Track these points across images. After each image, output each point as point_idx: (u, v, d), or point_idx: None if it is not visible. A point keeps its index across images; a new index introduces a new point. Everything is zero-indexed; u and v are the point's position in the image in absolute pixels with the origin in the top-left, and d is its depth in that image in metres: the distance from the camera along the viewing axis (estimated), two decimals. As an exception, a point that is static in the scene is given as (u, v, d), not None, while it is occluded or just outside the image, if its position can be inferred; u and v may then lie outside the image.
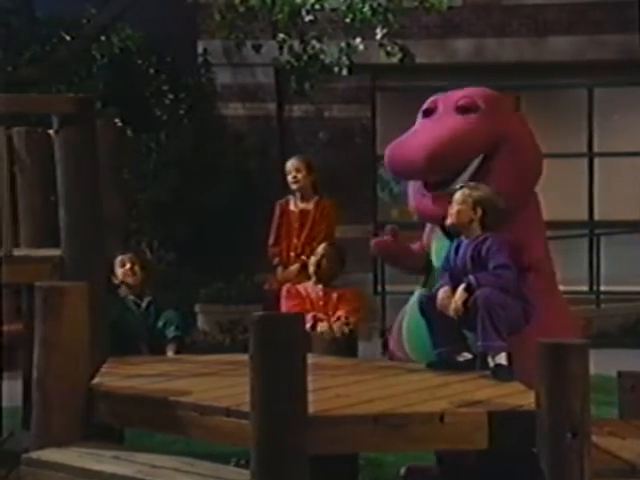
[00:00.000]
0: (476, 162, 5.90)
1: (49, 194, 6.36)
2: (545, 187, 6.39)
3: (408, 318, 5.99)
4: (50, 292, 5.36)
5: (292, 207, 7.47)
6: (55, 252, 5.98)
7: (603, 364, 6.71)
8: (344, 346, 6.25)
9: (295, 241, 7.39)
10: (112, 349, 6.02)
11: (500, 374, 5.19)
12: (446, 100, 6.08)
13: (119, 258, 6.73)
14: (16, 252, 6.12)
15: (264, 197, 11.17)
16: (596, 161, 15.26)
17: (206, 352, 9.14)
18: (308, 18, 12.60)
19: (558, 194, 13.31)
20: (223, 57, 14.98)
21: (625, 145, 15.07)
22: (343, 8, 12.69)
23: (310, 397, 4.40)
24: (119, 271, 6.70)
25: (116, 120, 10.17)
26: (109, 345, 5.99)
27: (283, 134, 15.15)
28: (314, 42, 12.90)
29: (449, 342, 5.50)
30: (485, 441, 4.51)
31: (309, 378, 4.41)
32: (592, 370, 4.48)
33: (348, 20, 12.69)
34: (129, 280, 6.69)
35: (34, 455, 5.10)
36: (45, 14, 14.50)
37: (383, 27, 12.54)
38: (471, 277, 5.38)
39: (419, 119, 6.14)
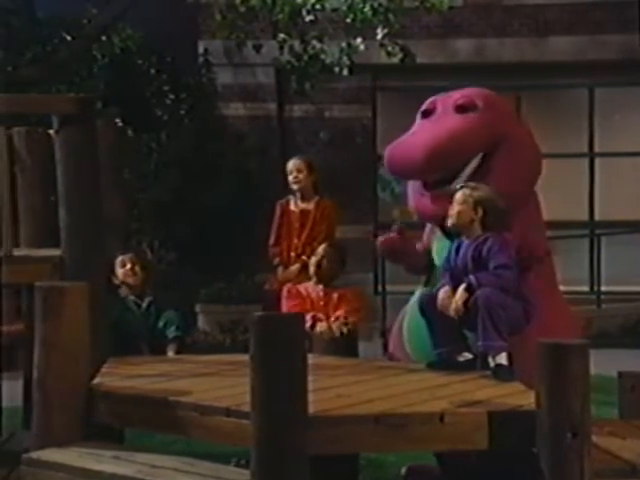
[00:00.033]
0: (475, 161, 5.91)
1: (49, 194, 6.36)
2: (546, 187, 6.40)
3: (409, 318, 5.99)
4: (50, 292, 5.36)
5: (293, 207, 7.46)
6: (55, 252, 5.98)
7: (603, 364, 6.71)
8: (344, 346, 6.25)
9: (295, 241, 7.39)
10: (113, 349, 6.02)
11: (500, 374, 5.19)
12: (445, 101, 6.10)
13: (119, 258, 6.73)
14: (16, 252, 6.11)
15: (265, 197, 11.18)
16: (597, 161, 15.26)
17: (207, 352, 9.14)
18: (309, 18, 12.60)
19: (559, 194, 13.31)
20: (224, 57, 14.99)
21: (626, 145, 15.07)
22: (344, 8, 12.69)
23: (310, 397, 4.40)
24: (120, 271, 6.70)
25: (117, 120, 10.17)
26: (110, 345, 5.99)
27: (284, 134, 15.15)
28: (315, 42, 12.90)
29: (449, 342, 5.50)
30: (485, 441, 4.51)
31: (309, 378, 4.41)
32: (592, 370, 4.48)
33: (349, 20, 12.69)
34: (130, 280, 6.69)
35: (34, 455, 5.10)
36: (46, 14, 14.50)
37: (384, 27, 12.54)
38: (472, 277, 5.38)
39: (418, 120, 6.15)
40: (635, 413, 5.55)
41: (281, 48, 12.91)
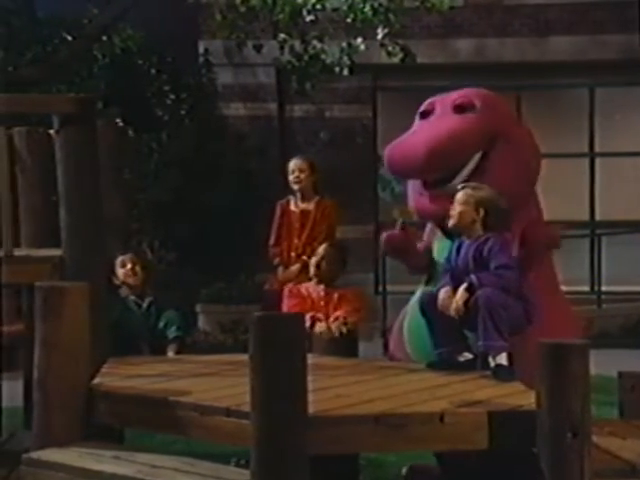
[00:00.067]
0: (474, 160, 5.91)
1: (50, 194, 6.36)
2: (546, 187, 6.40)
3: (409, 318, 5.99)
4: (50, 292, 5.36)
5: (293, 207, 7.47)
6: (55, 252, 5.98)
7: (604, 364, 6.71)
8: (344, 346, 6.25)
9: (296, 241, 7.39)
10: (113, 349, 6.02)
11: (501, 374, 5.19)
12: (443, 101, 6.12)
13: (120, 259, 6.73)
14: (17, 252, 6.11)
15: (265, 197, 11.17)
16: (597, 161, 15.26)
17: (207, 352, 9.14)
18: (309, 18, 12.60)
19: (559, 194, 13.31)
20: (224, 57, 14.99)
21: (626, 145, 15.08)
22: (344, 8, 12.69)
23: (310, 397, 4.40)
24: (120, 272, 6.70)
25: (117, 120, 10.17)
26: (110, 345, 5.99)
27: (284, 134, 15.15)
28: (315, 42, 12.90)
29: (450, 342, 5.50)
30: (485, 441, 4.51)
31: (309, 378, 4.41)
32: (593, 370, 4.48)
33: (349, 20, 12.69)
34: (130, 280, 6.69)
35: (34, 455, 5.10)
36: (46, 14, 14.50)
37: (384, 27, 12.54)
38: (473, 277, 5.38)
39: (416, 121, 6.17)
40: (635, 413, 5.54)
41: (281, 48, 12.91)
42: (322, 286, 6.60)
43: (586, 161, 15.24)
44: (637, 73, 14.58)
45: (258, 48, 12.99)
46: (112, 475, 4.75)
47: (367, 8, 12.45)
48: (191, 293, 12.90)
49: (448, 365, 5.45)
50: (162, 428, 5.08)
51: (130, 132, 12.65)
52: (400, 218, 6.03)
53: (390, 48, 12.67)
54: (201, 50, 15.04)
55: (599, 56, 14.62)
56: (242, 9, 12.76)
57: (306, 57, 12.96)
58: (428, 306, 5.56)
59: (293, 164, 7.52)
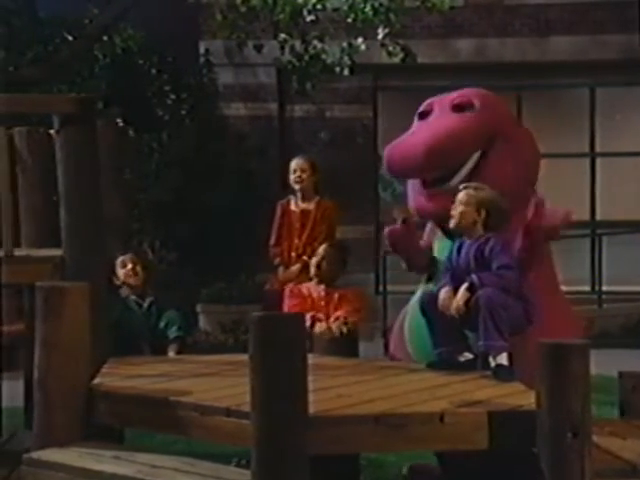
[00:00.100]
0: (473, 159, 5.91)
1: (50, 194, 6.37)
2: (547, 187, 6.40)
3: (410, 318, 5.99)
4: (51, 292, 5.36)
5: (293, 207, 7.47)
6: (56, 252, 5.98)
7: (604, 364, 6.71)
8: (344, 346, 6.25)
9: (296, 241, 7.39)
10: (114, 349, 6.02)
11: (501, 374, 5.19)
12: (441, 102, 6.14)
13: (120, 259, 6.73)
14: (17, 252, 6.11)
15: (265, 197, 11.18)
16: (598, 161, 15.26)
17: (208, 352, 9.14)
18: (310, 18, 12.60)
19: (560, 194, 13.28)
20: (225, 57, 14.99)
21: (627, 145, 15.07)
22: (345, 8, 12.69)
23: (311, 397, 4.40)
24: (121, 272, 6.70)
25: (117, 120, 10.17)
26: (111, 345, 5.99)
27: (284, 134, 15.15)
28: (316, 42, 12.90)
29: (450, 342, 5.50)
30: (485, 441, 4.51)
31: (310, 378, 4.41)
32: (593, 370, 4.47)
33: (350, 20, 12.69)
34: (131, 281, 6.69)
35: (34, 455, 5.11)
36: (47, 14, 14.49)
37: (385, 27, 12.54)
38: (474, 276, 5.38)
39: (415, 122, 6.17)
40: (636, 413, 5.54)
41: (282, 48, 12.91)
42: (323, 286, 6.60)
43: (587, 161, 15.24)
44: (637, 73, 14.57)
45: (259, 48, 12.99)
46: (112, 475, 4.75)
47: (368, 8, 12.45)
48: (192, 293, 12.90)
49: (448, 365, 5.45)
50: (162, 428, 5.09)
51: (130, 132, 12.66)
52: (401, 215, 6.03)
53: (391, 48, 12.67)
54: (202, 50, 15.04)
55: (599, 56, 14.61)
56: (243, 9, 12.76)
57: (307, 57, 12.96)
58: (428, 306, 5.56)
59: (295, 164, 7.52)
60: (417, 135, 5.97)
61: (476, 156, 5.92)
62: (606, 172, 15.19)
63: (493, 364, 5.26)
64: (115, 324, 6.24)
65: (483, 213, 5.51)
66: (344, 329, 6.28)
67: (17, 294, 6.74)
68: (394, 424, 4.48)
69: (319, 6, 12.54)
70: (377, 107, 15.32)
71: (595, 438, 4.47)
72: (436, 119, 6.03)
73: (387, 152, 6.01)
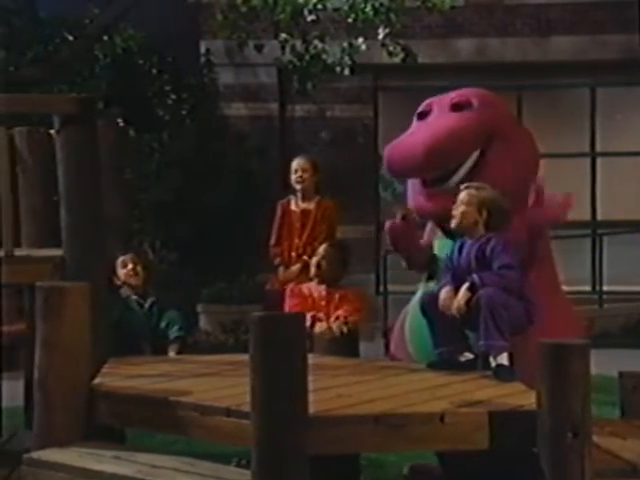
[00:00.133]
0: (472, 158, 5.91)
1: (51, 194, 6.37)
2: (547, 187, 6.39)
3: (410, 318, 5.99)
4: (51, 292, 5.36)
5: (293, 207, 7.47)
6: (56, 252, 5.98)
7: (605, 364, 6.71)
8: (345, 346, 6.25)
9: (296, 241, 7.39)
10: (115, 349, 6.02)
11: (501, 374, 5.19)
12: (440, 102, 6.14)
13: (121, 259, 6.73)
14: (17, 252, 6.11)
15: (266, 197, 11.18)
16: (598, 161, 15.26)
17: (208, 352, 9.14)
18: (310, 18, 12.60)
19: (560, 194, 13.29)
20: (225, 57, 14.99)
21: (628, 145, 15.08)
22: (345, 8, 12.70)
23: (311, 397, 4.40)
24: (121, 272, 6.70)
25: (118, 120, 10.17)
26: (112, 345, 5.99)
27: (285, 134, 15.15)
28: (316, 42, 12.90)
29: (451, 342, 5.50)
30: (486, 441, 4.51)
31: (310, 378, 4.41)
32: (594, 370, 4.48)
33: (350, 20, 12.70)
34: (132, 281, 6.69)
35: (35, 455, 5.10)
36: (48, 14, 14.50)
37: (385, 27, 12.55)
38: (475, 276, 5.38)
39: (414, 122, 6.18)
40: (636, 413, 5.54)
41: (283, 48, 12.92)
42: (323, 286, 6.60)
43: (587, 161, 15.24)
44: (637, 73, 14.57)
45: (259, 48, 12.99)
46: (112, 475, 4.75)
47: (368, 8, 12.46)
48: (192, 293, 12.90)
49: (449, 365, 5.45)
50: (163, 428, 5.08)
51: (131, 132, 12.66)
52: (401, 212, 6.02)
53: (391, 48, 12.68)
54: (202, 50, 15.05)
55: (600, 56, 14.61)
56: (243, 9, 12.77)
57: (307, 57, 12.96)
58: (429, 306, 5.56)
59: (296, 163, 7.52)
60: (416, 135, 5.98)
61: (475, 155, 5.93)
62: (606, 172, 15.19)
63: (494, 364, 5.26)
64: (116, 324, 6.24)
65: (485, 213, 5.50)
66: (344, 329, 6.28)
67: (17, 294, 6.74)
68: (394, 424, 4.48)
69: (320, 6, 12.55)
70: (378, 107, 15.33)
71: (595, 438, 4.47)
72: (435, 119, 6.04)
73: (387, 152, 6.01)
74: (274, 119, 15.22)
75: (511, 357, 5.27)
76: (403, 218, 5.99)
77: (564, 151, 14.46)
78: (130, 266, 6.71)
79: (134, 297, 6.70)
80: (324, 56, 12.89)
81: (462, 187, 5.61)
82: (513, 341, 5.29)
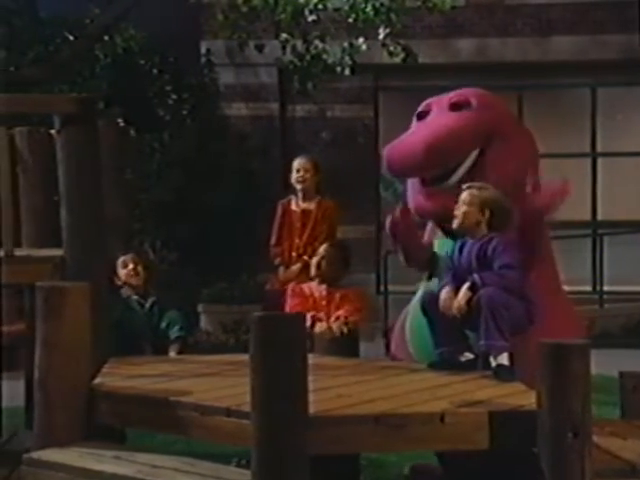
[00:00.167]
0: (471, 158, 5.92)
1: (51, 194, 6.37)
2: (547, 187, 6.38)
3: (411, 318, 5.99)
4: (51, 292, 5.36)
5: (294, 207, 7.47)
6: (56, 252, 5.98)
7: (605, 364, 6.72)
8: (345, 346, 6.25)
9: (297, 241, 7.39)
10: (116, 349, 6.02)
11: (502, 374, 5.19)
12: (439, 102, 6.16)
13: (121, 259, 6.73)
14: (18, 252, 6.11)
15: (267, 197, 11.18)
16: (599, 161, 15.26)
17: (209, 352, 9.14)
18: (311, 18, 12.60)
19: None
20: (226, 57, 14.99)
21: (628, 145, 15.07)
22: (346, 8, 12.70)
23: (311, 397, 4.40)
24: (122, 272, 6.71)
25: (119, 120, 10.17)
26: (113, 345, 5.99)
27: (286, 134, 15.15)
28: (317, 42, 12.90)
29: (451, 342, 5.50)
30: (486, 441, 4.51)
31: (310, 378, 4.41)
32: (594, 370, 4.47)
33: (351, 20, 12.69)
34: (133, 281, 6.70)
35: (35, 455, 5.10)
36: (48, 14, 14.50)
37: (386, 27, 12.54)
38: (476, 276, 5.38)
39: (414, 122, 6.18)
40: (636, 413, 5.54)
41: (283, 48, 12.91)
42: (324, 286, 6.60)
43: (588, 161, 15.23)
44: (638, 73, 14.57)
45: (260, 48, 12.99)
46: (112, 475, 4.75)
47: (369, 8, 12.45)
48: (193, 293, 12.91)
49: (449, 365, 5.45)
50: (163, 428, 5.08)
51: (132, 132, 12.66)
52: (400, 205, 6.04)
53: (392, 48, 12.67)
54: (203, 50, 15.05)
55: (600, 56, 14.61)
56: (244, 9, 12.76)
57: (308, 57, 12.96)
58: (429, 306, 5.56)
59: (298, 163, 7.52)
60: (416, 134, 5.99)
61: (474, 154, 5.93)
62: (607, 172, 15.18)
63: (494, 364, 5.26)
64: (116, 324, 6.25)
65: (487, 213, 5.50)
66: (344, 329, 6.28)
67: (18, 294, 6.74)
68: (394, 424, 4.48)
69: (320, 6, 12.54)
70: (378, 107, 15.32)
71: (595, 438, 4.47)
72: (434, 118, 6.05)
73: (386, 152, 6.02)
74: (275, 119, 15.22)
75: (511, 357, 5.27)
76: (403, 212, 5.98)
77: (565, 151, 14.45)
78: (131, 266, 6.71)
79: (135, 297, 6.70)
80: (325, 56, 12.89)
81: (464, 187, 5.61)
82: (513, 341, 5.29)
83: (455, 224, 5.57)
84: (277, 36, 12.87)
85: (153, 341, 6.63)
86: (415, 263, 6.13)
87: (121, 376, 5.54)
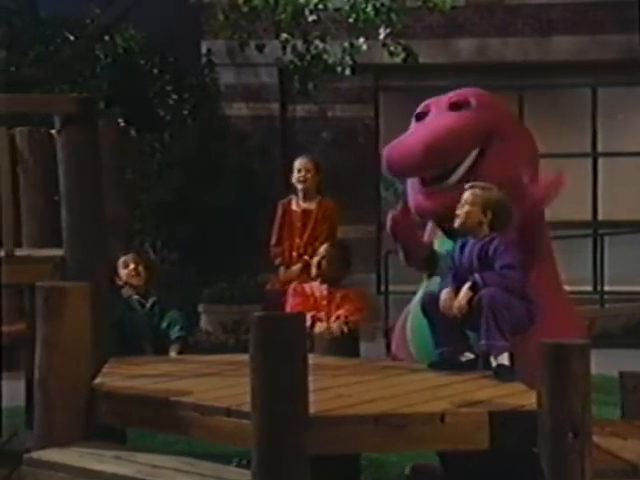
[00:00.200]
0: (471, 157, 5.92)
1: (52, 194, 6.37)
2: (548, 187, 6.37)
3: (412, 318, 5.99)
4: (51, 292, 5.36)
5: (294, 207, 7.46)
6: (56, 252, 5.98)
7: (605, 364, 6.72)
8: (345, 346, 6.25)
9: (297, 241, 7.39)
10: (116, 349, 6.02)
11: (502, 374, 5.19)
12: (438, 102, 6.16)
13: (122, 259, 6.73)
14: (18, 252, 6.11)
15: (267, 197, 11.18)
16: (600, 161, 15.25)
17: (209, 352, 9.14)
18: (311, 18, 12.60)
19: (562, 194, 13.27)
20: (226, 57, 14.99)
21: (629, 145, 15.07)
22: (346, 8, 12.70)
23: (311, 397, 4.40)
24: (123, 272, 6.71)
25: (119, 120, 10.17)
26: (113, 345, 5.99)
27: (286, 134, 15.15)
28: (317, 42, 12.90)
29: (451, 342, 5.50)
30: (486, 441, 4.50)
31: (310, 378, 4.41)
32: (594, 370, 4.48)
33: (351, 20, 12.69)
34: (134, 281, 6.70)
35: (35, 455, 5.10)
36: (49, 14, 14.50)
37: (386, 27, 12.54)
38: (477, 276, 5.37)
39: (413, 123, 6.18)
40: (637, 413, 5.54)
41: (284, 48, 12.92)
42: (325, 285, 6.60)
43: (589, 161, 15.23)
44: (638, 73, 14.57)
45: (260, 48, 12.99)
46: (113, 475, 4.75)
47: (369, 8, 12.46)
48: (193, 293, 12.90)
49: (450, 365, 5.45)
50: (163, 428, 5.08)
51: (132, 132, 12.67)
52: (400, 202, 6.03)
53: (392, 48, 12.67)
54: (203, 50, 15.05)
55: (600, 56, 14.61)
56: (244, 9, 12.77)
57: (308, 57, 12.96)
58: (430, 306, 5.56)
59: (299, 163, 7.52)
60: (415, 134, 5.99)
61: (474, 154, 5.93)
62: (608, 172, 15.18)
63: (494, 364, 5.26)
64: (117, 324, 6.25)
65: (489, 214, 5.50)
66: (345, 328, 6.28)
67: (18, 294, 6.74)
68: (394, 424, 4.48)
69: (321, 6, 12.54)
70: (379, 107, 15.33)
71: (596, 438, 4.47)
72: (433, 118, 6.05)
73: (386, 152, 6.02)
74: (275, 119, 15.22)
75: (512, 357, 5.27)
76: (403, 209, 5.98)
77: (565, 151, 14.44)
78: (132, 266, 6.71)
79: (136, 297, 6.70)
80: (325, 56, 12.89)
81: (467, 187, 5.60)
82: (513, 341, 5.29)
83: (457, 223, 5.56)
84: (277, 36, 12.87)
85: (154, 341, 6.63)
86: (415, 262, 6.13)
87: (121, 376, 5.54)
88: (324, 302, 6.52)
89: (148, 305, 6.70)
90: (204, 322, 13.28)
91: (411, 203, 6.05)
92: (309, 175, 7.43)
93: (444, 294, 5.46)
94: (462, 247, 5.58)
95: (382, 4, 12.49)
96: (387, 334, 8.81)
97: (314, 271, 6.66)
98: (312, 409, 4.40)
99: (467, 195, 5.53)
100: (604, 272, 14.20)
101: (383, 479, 6.46)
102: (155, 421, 5.03)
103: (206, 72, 15.02)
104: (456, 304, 5.37)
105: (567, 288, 6.26)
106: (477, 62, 14.75)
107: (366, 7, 12.46)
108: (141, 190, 12.93)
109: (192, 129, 14.31)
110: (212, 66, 15.01)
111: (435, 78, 13.54)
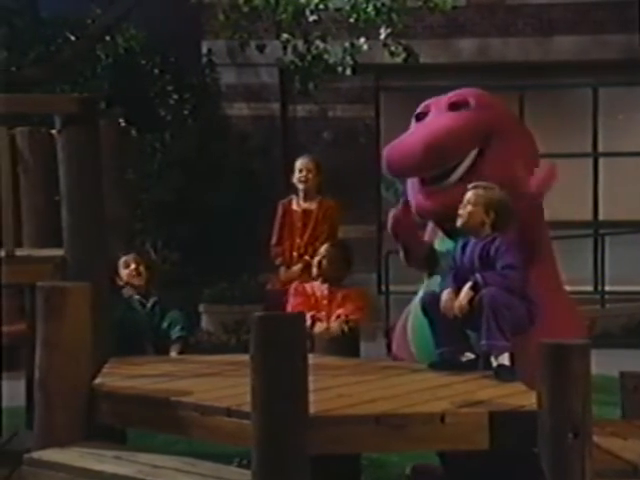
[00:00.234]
0: (470, 157, 5.92)
1: (52, 194, 6.37)
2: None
3: (412, 318, 5.99)
4: (52, 292, 5.36)
5: (295, 207, 7.46)
6: (57, 252, 5.98)
7: (606, 364, 6.71)
8: (346, 346, 6.25)
9: (298, 241, 7.39)
10: (117, 349, 6.02)
11: (502, 374, 5.19)
12: (437, 102, 6.17)
13: (123, 259, 6.74)
14: (18, 252, 6.11)
15: (268, 197, 11.17)
16: (601, 161, 15.25)
17: (210, 352, 9.15)
18: (312, 18, 12.60)
19: (562, 194, 13.28)
20: (227, 57, 14.99)
21: (630, 145, 15.07)
22: (347, 8, 12.70)
23: (312, 397, 4.40)
24: (124, 272, 6.71)
25: (120, 120, 10.17)
26: (113, 345, 5.99)
27: (287, 134, 15.15)
28: (318, 42, 12.90)
29: (452, 342, 5.50)
30: (486, 441, 4.51)
31: (311, 378, 4.41)
32: (594, 370, 4.47)
33: (352, 20, 12.69)
34: (134, 281, 6.70)
35: (35, 455, 5.10)
36: (50, 14, 14.51)
37: (387, 27, 12.54)
38: (478, 276, 5.38)
39: (412, 123, 6.18)
40: (637, 413, 5.54)
41: (284, 48, 12.92)
42: (326, 285, 6.60)
43: (589, 161, 15.23)
44: (638, 73, 14.56)
45: (261, 48, 12.99)
46: (113, 475, 4.75)
47: (370, 8, 12.46)
48: (194, 293, 12.91)
49: (450, 365, 5.45)
50: (163, 428, 5.08)
51: (133, 132, 12.68)
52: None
53: (393, 48, 12.67)
54: (204, 50, 15.05)
55: (601, 56, 14.61)
56: (245, 9, 12.77)
57: (309, 57, 12.96)
58: (430, 306, 5.56)
59: (300, 163, 7.51)
60: (415, 134, 5.99)
61: (474, 154, 5.93)
62: (609, 172, 15.18)
63: (495, 364, 5.26)
64: (118, 324, 6.25)
65: (492, 214, 5.50)
66: (345, 327, 6.28)
67: (18, 294, 6.74)
68: (395, 424, 4.48)
69: (321, 6, 12.54)
70: (379, 107, 15.33)
71: (596, 438, 4.47)
72: (433, 118, 6.06)
73: (386, 152, 6.02)
74: (276, 119, 15.22)
75: (512, 357, 5.27)
76: (404, 206, 5.98)
77: (566, 151, 14.44)
78: (132, 266, 6.71)
79: (136, 297, 6.71)
80: (326, 56, 12.89)
81: (469, 187, 5.60)
82: (514, 341, 5.29)
83: (459, 223, 5.57)
84: (278, 36, 12.87)
85: (154, 341, 6.63)
86: (416, 262, 6.13)
87: (122, 376, 5.54)
88: (325, 302, 6.52)
89: (149, 305, 6.70)
90: (205, 322, 13.29)
91: (411, 203, 6.05)
92: (310, 175, 7.43)
93: (445, 294, 5.46)
94: (463, 247, 5.58)
95: (383, 4, 12.49)
96: (388, 334, 8.82)
97: (315, 271, 6.67)
98: (312, 409, 4.40)
99: (470, 195, 5.53)
100: (605, 272, 14.20)
101: (383, 479, 6.46)
102: (155, 421, 5.03)
103: (207, 72, 15.02)
104: (457, 304, 5.37)
105: (568, 288, 6.26)
106: (478, 62, 14.75)
107: (367, 7, 12.46)
108: (142, 190, 12.94)
109: (193, 129, 14.32)
110: (213, 66, 15.02)
111: (436, 78, 13.54)
